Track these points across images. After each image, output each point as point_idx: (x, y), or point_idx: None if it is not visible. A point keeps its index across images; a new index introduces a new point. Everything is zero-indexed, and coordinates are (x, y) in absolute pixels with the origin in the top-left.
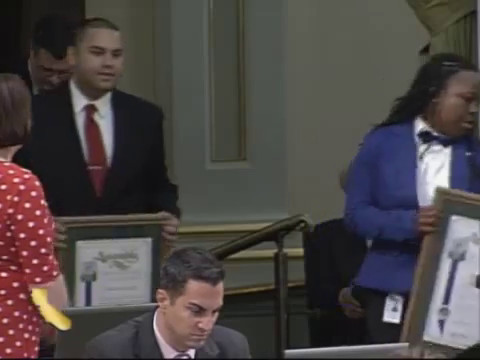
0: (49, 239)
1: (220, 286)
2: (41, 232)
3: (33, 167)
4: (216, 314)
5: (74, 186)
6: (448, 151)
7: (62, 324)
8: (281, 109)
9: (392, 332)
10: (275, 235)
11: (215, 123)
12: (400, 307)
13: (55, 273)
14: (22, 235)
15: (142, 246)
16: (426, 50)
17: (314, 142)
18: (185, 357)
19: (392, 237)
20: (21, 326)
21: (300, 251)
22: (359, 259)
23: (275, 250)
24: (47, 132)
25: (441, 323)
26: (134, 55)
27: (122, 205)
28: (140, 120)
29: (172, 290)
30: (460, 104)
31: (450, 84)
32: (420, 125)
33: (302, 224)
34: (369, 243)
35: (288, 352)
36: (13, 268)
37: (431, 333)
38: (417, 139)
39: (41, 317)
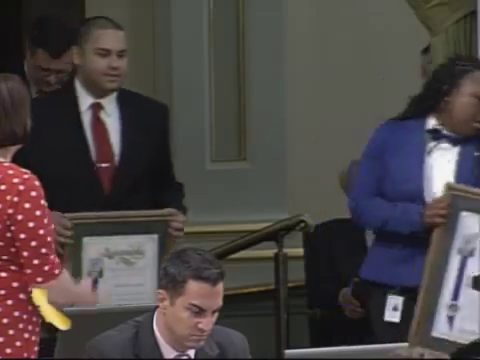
0: (49, 239)
1: (220, 287)
2: (41, 232)
3: (34, 167)
4: (216, 314)
5: (82, 184)
6: (456, 150)
7: (62, 324)
8: (281, 109)
9: (392, 331)
10: (275, 235)
11: (215, 123)
12: (401, 306)
13: (57, 271)
14: (22, 235)
15: (148, 242)
16: (427, 50)
17: (314, 142)
18: (185, 357)
19: (397, 229)
20: (21, 326)
21: (300, 251)
22: (359, 259)
23: (275, 250)
24: (54, 132)
25: (450, 319)
26: (134, 55)
27: (129, 203)
28: (146, 118)
29: (172, 290)
30: (473, 103)
31: (463, 83)
32: (432, 122)
33: (302, 224)
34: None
35: (288, 352)
36: (13, 268)
37: (440, 329)
38: (427, 136)
39: (41, 317)
